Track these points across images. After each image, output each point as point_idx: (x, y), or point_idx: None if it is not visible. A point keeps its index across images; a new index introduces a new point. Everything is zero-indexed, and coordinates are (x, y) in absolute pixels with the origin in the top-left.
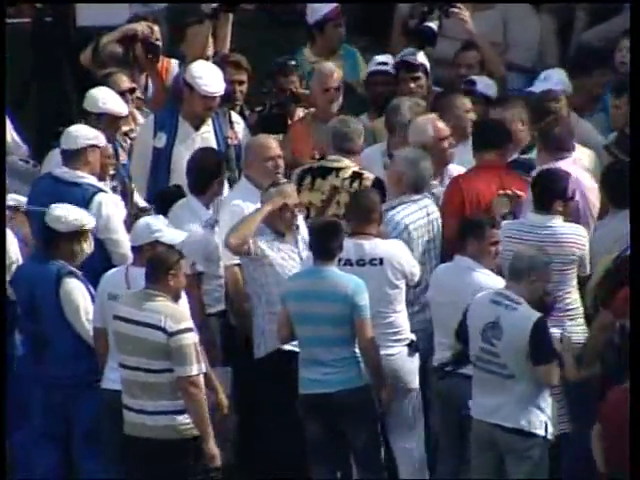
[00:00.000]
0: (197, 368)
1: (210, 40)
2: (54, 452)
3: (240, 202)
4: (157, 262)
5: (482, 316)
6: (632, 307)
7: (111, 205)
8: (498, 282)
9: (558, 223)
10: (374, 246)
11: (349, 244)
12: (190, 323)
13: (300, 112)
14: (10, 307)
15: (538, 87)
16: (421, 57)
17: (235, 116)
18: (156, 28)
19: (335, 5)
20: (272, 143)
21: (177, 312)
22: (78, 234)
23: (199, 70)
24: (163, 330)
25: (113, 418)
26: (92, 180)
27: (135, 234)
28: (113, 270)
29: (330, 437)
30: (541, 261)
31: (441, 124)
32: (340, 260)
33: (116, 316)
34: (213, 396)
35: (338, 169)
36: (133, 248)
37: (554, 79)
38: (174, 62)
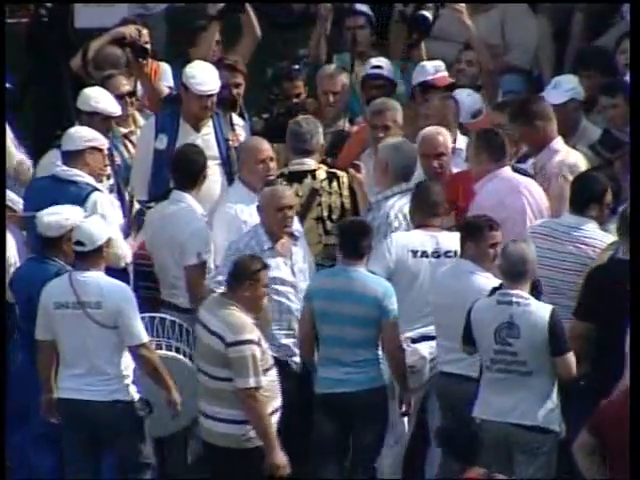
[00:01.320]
0: (254, 381)
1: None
2: (53, 453)
3: (233, 205)
4: (239, 268)
5: (492, 318)
6: (632, 307)
7: (107, 204)
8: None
9: (591, 227)
10: (447, 238)
11: (423, 236)
12: (251, 335)
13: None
14: (9, 309)
15: (549, 94)
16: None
17: (236, 118)
18: (145, 31)
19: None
20: (264, 145)
21: (239, 322)
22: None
23: (193, 70)
24: (222, 339)
25: (71, 426)
26: (89, 179)
27: (91, 236)
28: (55, 280)
29: (343, 436)
30: (533, 253)
31: (438, 141)
32: (416, 252)
33: (197, 319)
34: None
35: (313, 171)
36: (89, 252)
37: (565, 86)
38: (163, 65)
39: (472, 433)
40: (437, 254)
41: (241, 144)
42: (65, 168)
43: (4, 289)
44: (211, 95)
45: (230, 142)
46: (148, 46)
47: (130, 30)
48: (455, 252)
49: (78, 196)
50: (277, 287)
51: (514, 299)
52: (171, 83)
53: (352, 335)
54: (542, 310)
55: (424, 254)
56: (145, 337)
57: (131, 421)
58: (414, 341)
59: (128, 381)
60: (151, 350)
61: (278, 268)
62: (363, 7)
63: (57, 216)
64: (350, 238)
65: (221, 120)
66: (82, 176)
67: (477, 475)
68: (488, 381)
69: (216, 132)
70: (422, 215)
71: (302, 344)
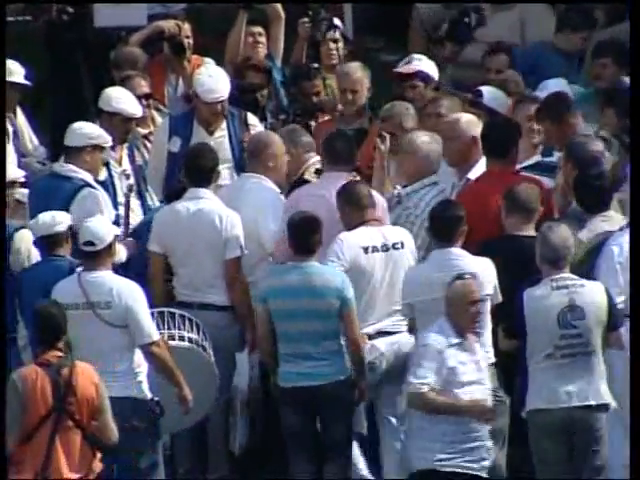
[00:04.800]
0: None
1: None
2: None
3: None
4: None
5: (552, 305)
6: (632, 305)
7: (95, 201)
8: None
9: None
10: (392, 231)
11: (369, 231)
12: None
13: (326, 116)
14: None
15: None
16: (420, 64)
17: (252, 118)
18: (186, 26)
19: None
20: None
21: None
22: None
23: (201, 77)
24: None
25: None
26: (85, 175)
27: (99, 235)
28: (64, 280)
29: (311, 430)
30: (570, 234)
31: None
32: (367, 248)
33: None
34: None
35: None
36: (99, 252)
37: (551, 89)
38: (208, 61)
39: None
40: (386, 247)
41: (252, 139)
42: (62, 164)
43: (4, 288)
44: (221, 101)
45: (245, 144)
46: (189, 41)
47: (170, 25)
48: (402, 243)
49: (70, 192)
50: (464, 386)
51: (569, 282)
52: None
53: (316, 329)
54: (597, 288)
55: (375, 249)
56: (156, 335)
57: (143, 418)
58: (370, 337)
59: (141, 378)
60: (162, 348)
61: (464, 364)
62: (337, 21)
63: (49, 216)
64: (300, 234)
65: (235, 121)
66: (77, 172)
67: None
68: (548, 369)
69: (230, 134)
70: (356, 213)
71: (262, 345)
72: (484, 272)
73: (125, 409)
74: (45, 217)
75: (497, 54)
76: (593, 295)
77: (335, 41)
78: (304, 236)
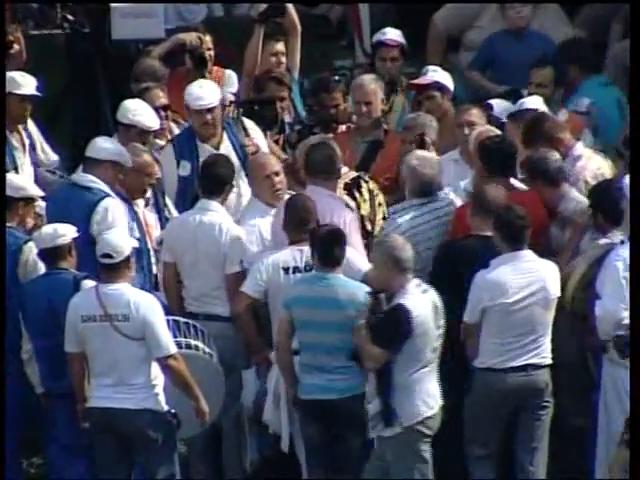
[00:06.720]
0: None
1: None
2: (82, 463)
3: (253, 221)
4: None
5: None
6: (632, 306)
7: (117, 210)
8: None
9: None
10: None
11: (293, 252)
12: None
13: (343, 127)
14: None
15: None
16: (435, 75)
17: (249, 123)
18: (207, 38)
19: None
20: (269, 160)
21: None
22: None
23: (191, 88)
24: None
25: (102, 434)
26: (104, 186)
27: (117, 248)
28: (80, 293)
29: (327, 442)
30: None
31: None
32: (288, 269)
33: None
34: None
35: (360, 176)
36: (117, 264)
37: (527, 106)
38: (227, 72)
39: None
40: (309, 267)
41: (249, 160)
42: (82, 174)
43: (4, 292)
44: (210, 109)
45: (247, 148)
46: (211, 53)
47: (191, 37)
48: None
49: (90, 201)
50: None
51: None
52: (236, 90)
53: (335, 342)
54: None
55: (296, 269)
56: (173, 348)
57: (160, 430)
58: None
59: (157, 390)
60: (179, 361)
61: None
62: (397, 36)
63: (51, 229)
64: (325, 246)
65: (233, 129)
66: (96, 182)
67: None
68: None
69: (232, 143)
70: (294, 231)
71: (280, 353)
72: (552, 274)
73: (142, 421)
74: (48, 229)
75: (543, 67)
76: None
77: (394, 59)
78: (329, 248)
